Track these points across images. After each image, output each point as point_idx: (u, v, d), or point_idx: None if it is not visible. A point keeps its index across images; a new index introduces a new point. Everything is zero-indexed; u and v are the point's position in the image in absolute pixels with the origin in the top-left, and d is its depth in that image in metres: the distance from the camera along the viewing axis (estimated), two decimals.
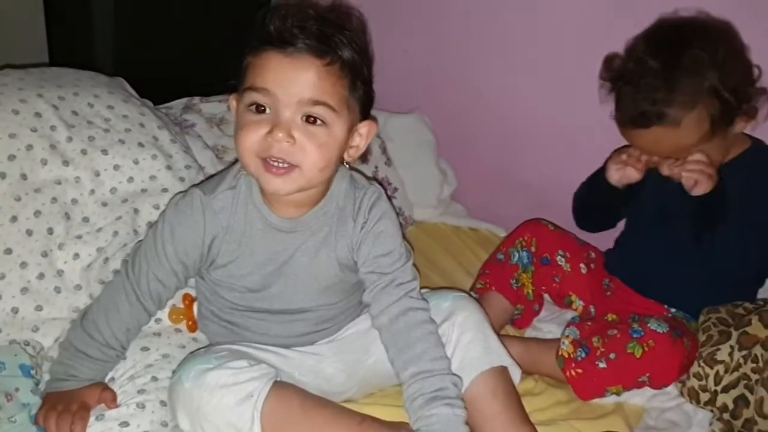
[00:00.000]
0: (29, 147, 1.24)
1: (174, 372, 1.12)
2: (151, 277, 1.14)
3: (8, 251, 1.18)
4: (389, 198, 1.24)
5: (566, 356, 1.32)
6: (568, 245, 1.59)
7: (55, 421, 1.05)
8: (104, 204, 1.29)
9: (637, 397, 1.33)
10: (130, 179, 1.32)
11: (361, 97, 1.08)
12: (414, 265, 1.20)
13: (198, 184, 1.23)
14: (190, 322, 1.27)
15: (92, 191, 1.28)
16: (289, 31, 1.00)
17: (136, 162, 1.33)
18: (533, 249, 1.57)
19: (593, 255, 1.60)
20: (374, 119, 1.14)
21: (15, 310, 1.17)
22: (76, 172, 1.27)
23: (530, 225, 1.61)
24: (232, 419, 1.03)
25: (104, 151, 1.31)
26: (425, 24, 1.88)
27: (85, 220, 1.26)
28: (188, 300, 1.27)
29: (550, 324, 1.54)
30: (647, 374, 1.29)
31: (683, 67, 1.26)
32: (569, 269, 1.56)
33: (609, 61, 1.44)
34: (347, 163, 1.13)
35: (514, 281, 1.54)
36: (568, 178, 1.74)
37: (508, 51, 1.78)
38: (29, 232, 1.20)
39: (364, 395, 1.24)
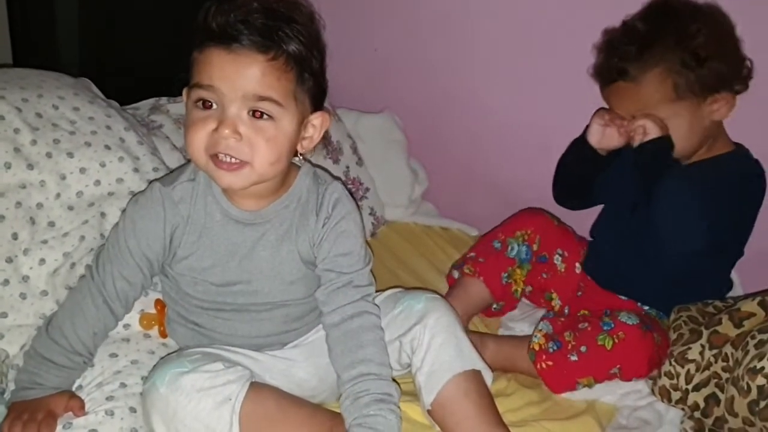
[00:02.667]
0: None
1: (146, 378, 1.10)
2: (116, 276, 1.13)
3: None
4: (353, 197, 1.24)
5: (537, 349, 1.33)
6: (568, 243, 1.57)
7: (21, 430, 1.03)
8: (70, 208, 1.26)
9: (609, 396, 1.34)
10: (97, 182, 1.30)
11: (311, 88, 1.07)
12: (371, 272, 1.19)
13: (157, 179, 1.23)
14: (161, 328, 1.25)
15: (58, 195, 1.26)
16: (231, 26, 1.00)
17: (102, 165, 1.31)
18: (535, 246, 1.55)
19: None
20: (327, 110, 1.13)
21: None
22: (41, 176, 1.25)
23: (535, 218, 1.57)
24: (211, 423, 1.02)
25: (70, 154, 1.28)
26: (395, 23, 1.88)
27: (51, 224, 1.24)
28: (160, 305, 1.26)
29: (522, 323, 1.55)
30: (618, 366, 1.31)
31: (663, 34, 1.29)
32: (563, 269, 1.55)
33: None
34: (301, 154, 1.13)
35: (506, 275, 1.52)
36: (539, 178, 1.75)
37: (478, 50, 1.78)
38: None
39: (337, 398, 1.23)
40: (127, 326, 1.23)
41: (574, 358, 1.30)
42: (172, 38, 1.87)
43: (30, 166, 1.24)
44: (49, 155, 1.26)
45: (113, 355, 1.17)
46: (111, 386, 1.12)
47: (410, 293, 1.23)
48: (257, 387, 1.07)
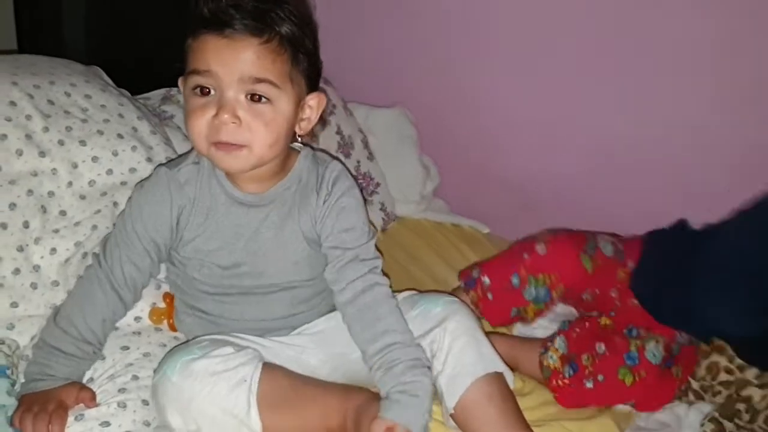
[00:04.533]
0: (3, 137, 1.19)
1: (156, 370, 1.09)
2: (124, 261, 1.13)
3: None
4: (354, 177, 1.25)
5: (552, 369, 1.29)
6: (603, 282, 1.40)
7: (31, 422, 1.00)
8: (82, 197, 1.24)
9: None
10: (110, 171, 1.27)
11: (306, 69, 1.07)
12: (376, 247, 1.19)
13: (162, 164, 1.24)
14: (171, 321, 1.23)
15: (70, 183, 1.23)
16: (224, 11, 1.00)
17: (115, 154, 1.28)
18: (555, 293, 1.41)
19: (624, 273, 1.42)
20: (323, 90, 1.14)
21: None
22: (53, 164, 1.22)
23: (565, 260, 1.40)
24: (228, 406, 1.01)
25: (82, 142, 1.26)
26: (408, 18, 1.86)
27: (63, 213, 1.21)
28: (169, 299, 1.24)
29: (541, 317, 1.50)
30: (633, 401, 1.29)
31: None
32: (591, 299, 1.42)
33: None
34: (300, 136, 1.13)
35: (515, 311, 1.43)
36: (551, 175, 1.78)
37: (490, 46, 1.77)
38: (4, 226, 1.15)
39: None
40: (138, 319, 1.22)
41: (589, 385, 1.26)
42: (181, 27, 1.87)
43: (42, 154, 1.22)
44: (61, 143, 1.24)
45: (125, 348, 1.16)
46: (123, 378, 1.11)
47: (427, 296, 1.21)
48: (269, 367, 1.06)
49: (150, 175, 1.18)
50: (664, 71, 1.60)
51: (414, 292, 1.24)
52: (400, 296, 1.21)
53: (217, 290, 1.17)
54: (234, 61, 1.00)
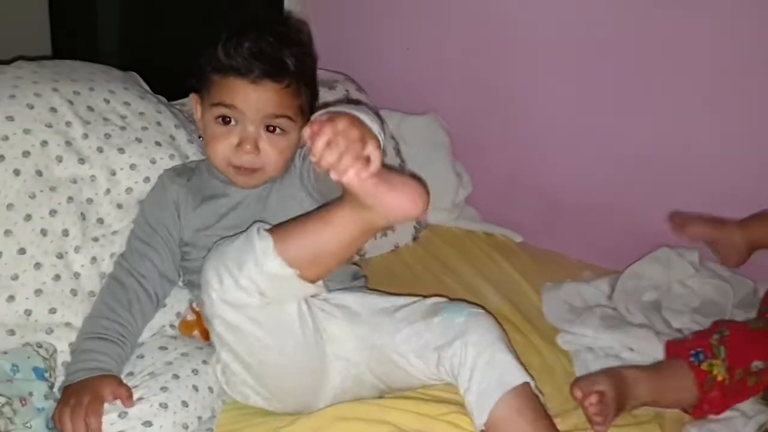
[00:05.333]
0: (44, 143, 1.20)
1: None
2: (137, 246, 1.22)
3: (22, 251, 1.15)
4: None
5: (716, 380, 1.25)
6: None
7: (69, 417, 1.02)
8: (119, 206, 1.25)
9: None
10: (147, 179, 1.29)
11: (310, 96, 1.24)
12: None
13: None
14: (201, 330, 1.25)
15: (107, 191, 1.24)
16: (248, 59, 1.15)
17: (153, 162, 1.30)
18: None
19: None
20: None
21: (28, 312, 1.13)
22: (92, 171, 1.23)
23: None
24: (240, 243, 1.02)
25: (121, 150, 1.27)
26: (440, 24, 1.84)
27: (100, 221, 1.23)
28: (197, 311, 1.26)
29: None
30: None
31: None
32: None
33: None
34: (302, 146, 1.24)
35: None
36: (585, 184, 1.75)
37: (524, 52, 1.75)
38: (44, 232, 1.16)
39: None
40: (173, 326, 1.24)
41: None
42: (213, 33, 1.87)
43: (81, 161, 1.23)
44: (100, 150, 1.25)
45: (163, 348, 1.18)
46: (164, 377, 1.11)
47: (453, 304, 1.20)
48: None
49: None
50: (700, 79, 1.57)
51: (443, 299, 1.23)
52: (428, 301, 1.21)
53: None
54: (258, 102, 1.16)
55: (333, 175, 0.90)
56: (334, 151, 0.88)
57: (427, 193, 1.00)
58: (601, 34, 1.64)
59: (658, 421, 1.25)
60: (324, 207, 1.05)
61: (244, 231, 1.05)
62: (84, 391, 1.05)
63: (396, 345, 1.15)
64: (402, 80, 1.91)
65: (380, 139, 0.98)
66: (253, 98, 1.16)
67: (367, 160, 0.90)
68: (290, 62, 1.18)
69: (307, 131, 0.90)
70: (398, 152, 1.80)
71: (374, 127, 0.98)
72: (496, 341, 1.13)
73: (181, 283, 1.28)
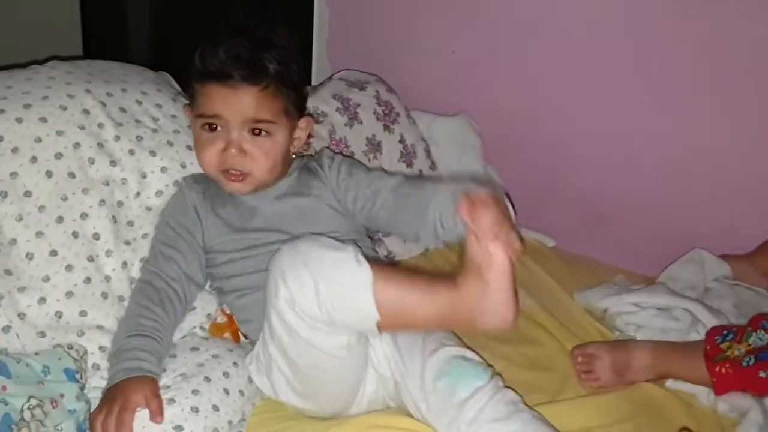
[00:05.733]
0: (77, 145, 1.20)
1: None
2: (161, 249, 1.21)
3: (53, 253, 1.14)
4: None
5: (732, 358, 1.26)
6: None
7: (99, 426, 1.03)
8: (148, 209, 1.25)
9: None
10: (177, 183, 1.28)
11: (295, 99, 1.24)
12: None
13: None
14: (232, 332, 1.25)
15: (138, 194, 1.24)
16: (225, 64, 1.16)
17: (183, 166, 1.29)
18: None
19: None
20: (310, 115, 1.32)
21: (59, 314, 1.13)
22: (123, 173, 1.23)
23: None
24: (337, 256, 1.00)
25: (152, 153, 1.27)
26: (474, 24, 1.82)
27: (130, 224, 1.23)
28: (226, 313, 1.26)
29: None
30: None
31: None
32: None
33: None
34: (294, 154, 1.30)
35: None
36: (622, 187, 1.74)
37: (560, 50, 1.73)
38: (75, 235, 1.16)
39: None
40: (203, 329, 1.23)
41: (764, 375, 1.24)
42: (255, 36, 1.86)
43: (113, 163, 1.23)
44: (131, 152, 1.25)
45: (194, 349, 1.17)
46: (196, 379, 1.10)
47: (463, 368, 1.10)
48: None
49: None
50: (738, 79, 1.55)
51: (459, 351, 1.14)
52: (447, 352, 1.13)
53: (250, 261, 1.20)
54: (238, 107, 1.17)
55: (496, 248, 0.96)
56: (504, 226, 0.96)
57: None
58: (637, 34, 1.62)
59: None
60: (438, 278, 1.03)
61: (335, 240, 1.04)
62: (117, 398, 1.04)
63: (411, 393, 1.12)
64: (433, 81, 1.90)
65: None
66: (233, 103, 1.16)
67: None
68: (268, 65, 1.18)
69: (466, 201, 0.97)
70: (428, 154, 1.78)
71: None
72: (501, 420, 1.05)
73: (208, 288, 1.27)
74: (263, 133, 1.20)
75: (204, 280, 1.25)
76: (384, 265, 1.06)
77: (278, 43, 1.21)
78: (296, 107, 1.25)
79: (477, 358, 1.15)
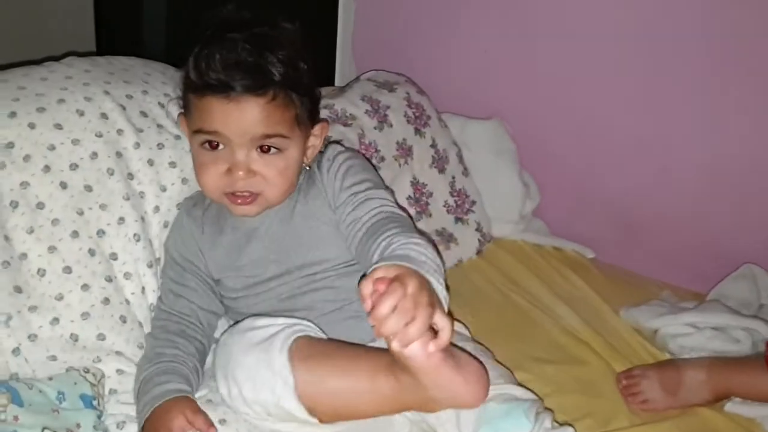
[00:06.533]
0: (94, 155, 1.11)
1: None
2: (171, 286, 1.12)
3: (67, 270, 1.06)
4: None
5: None
6: None
7: None
8: (166, 225, 1.17)
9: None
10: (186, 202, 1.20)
11: (308, 105, 1.08)
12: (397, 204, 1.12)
13: None
14: None
15: (156, 208, 1.16)
16: (223, 73, 0.99)
17: None
18: None
19: None
20: (325, 120, 1.16)
21: (74, 337, 1.04)
22: (140, 187, 1.15)
23: None
24: (260, 354, 0.94)
25: (172, 164, 1.18)
26: (508, 23, 1.74)
27: (150, 243, 1.14)
28: None
29: None
30: None
31: None
32: None
33: None
34: (308, 166, 1.14)
35: None
36: (663, 196, 1.65)
37: (598, 52, 1.64)
38: (92, 252, 1.08)
39: None
40: None
41: None
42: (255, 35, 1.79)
43: (130, 176, 1.14)
44: (150, 162, 1.16)
45: None
46: (223, 408, 1.03)
47: (504, 412, 0.98)
48: (310, 335, 0.99)
49: None
50: None
51: (499, 390, 1.02)
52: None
53: (261, 304, 1.11)
54: (243, 123, 1.01)
55: (394, 345, 0.78)
56: (401, 317, 0.76)
57: (488, 380, 0.92)
58: (678, 36, 1.53)
59: None
60: (367, 354, 0.95)
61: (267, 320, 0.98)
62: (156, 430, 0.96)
63: None
64: (465, 82, 1.81)
65: (445, 304, 0.87)
66: (236, 119, 1.00)
67: (434, 331, 0.80)
68: (274, 70, 1.01)
69: (367, 286, 0.78)
70: (461, 159, 1.69)
71: (441, 290, 0.87)
72: None
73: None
74: (273, 149, 1.04)
75: (222, 306, 1.17)
76: (314, 354, 0.94)
77: (281, 40, 1.04)
78: (309, 114, 1.09)
79: (520, 392, 1.04)
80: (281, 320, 0.99)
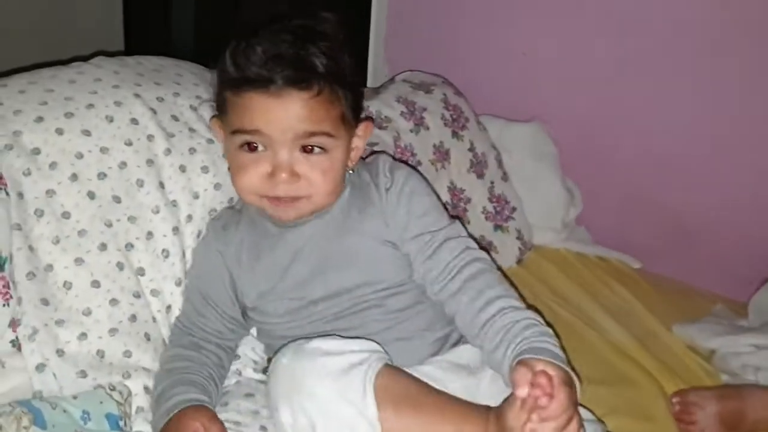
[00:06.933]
0: (122, 165, 1.06)
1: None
2: (190, 312, 1.06)
3: (96, 284, 1.01)
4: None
5: None
6: None
7: None
8: (199, 235, 1.11)
9: None
10: (231, 200, 1.14)
11: (352, 101, 1.01)
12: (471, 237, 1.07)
13: None
14: None
15: (189, 217, 1.10)
16: (264, 66, 0.94)
17: None
18: None
19: None
20: (369, 119, 1.12)
21: (101, 354, 0.99)
22: (172, 195, 1.09)
23: None
24: (340, 388, 0.87)
25: (204, 169, 1.12)
26: (551, 21, 1.68)
27: (181, 256, 1.09)
28: None
29: None
30: None
31: None
32: None
33: None
34: (351, 170, 1.07)
35: None
36: (715, 203, 1.59)
37: (646, 48, 1.58)
38: (120, 266, 1.03)
39: None
40: (256, 371, 1.11)
41: None
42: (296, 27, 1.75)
43: (161, 185, 1.08)
44: (182, 169, 1.11)
45: (249, 396, 1.04)
46: (250, 430, 0.99)
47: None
48: (390, 366, 0.92)
49: None
50: None
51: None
52: None
53: (306, 327, 1.04)
54: (286, 121, 0.95)
55: None
56: (558, 423, 0.79)
57: None
58: (739, 33, 1.47)
59: None
60: (453, 406, 0.91)
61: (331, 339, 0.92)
62: None
63: None
64: (505, 83, 1.76)
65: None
66: (278, 116, 0.94)
67: None
68: (318, 62, 0.95)
69: (524, 381, 0.79)
70: (500, 164, 1.63)
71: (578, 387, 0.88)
72: None
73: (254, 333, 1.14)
74: (316, 149, 0.98)
75: (246, 328, 1.11)
76: (401, 398, 0.89)
77: (324, 32, 0.98)
78: (353, 111, 1.02)
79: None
80: (355, 345, 0.92)
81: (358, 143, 1.06)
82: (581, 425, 0.82)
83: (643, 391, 1.24)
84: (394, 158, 1.15)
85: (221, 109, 1.02)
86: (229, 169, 1.07)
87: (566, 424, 0.79)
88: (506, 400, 0.85)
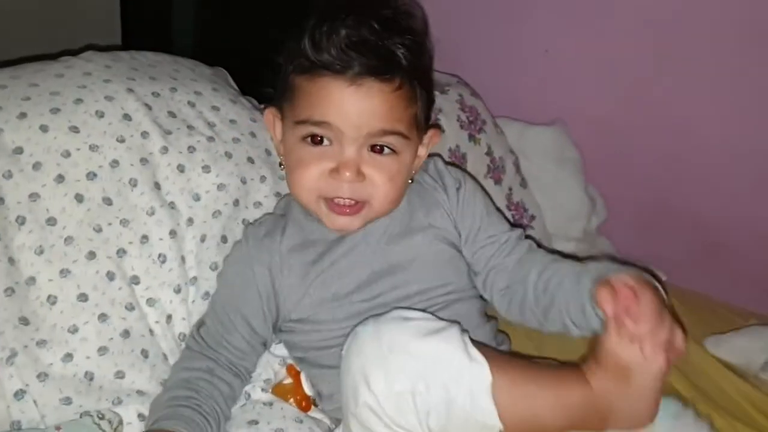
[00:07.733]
0: (114, 163, 0.97)
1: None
2: (215, 329, 0.96)
3: (83, 297, 0.91)
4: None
5: None
6: None
7: None
8: (203, 239, 1.01)
9: None
10: (236, 202, 1.05)
11: (426, 104, 0.96)
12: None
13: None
14: (299, 398, 1.01)
15: (190, 221, 1.01)
16: (345, 51, 0.87)
17: (243, 181, 1.06)
18: None
19: None
20: (438, 126, 1.09)
21: (89, 376, 0.90)
22: (170, 197, 1.00)
23: None
24: (438, 341, 0.79)
25: (206, 168, 1.03)
26: (574, 21, 1.60)
27: (181, 262, 0.99)
28: (294, 372, 1.02)
29: None
30: None
31: None
32: None
33: None
34: (412, 179, 1.00)
35: None
36: (746, 214, 1.53)
37: (675, 54, 1.50)
38: (111, 276, 0.93)
39: None
40: (265, 389, 1.00)
41: None
42: (299, 20, 1.68)
43: (157, 185, 0.99)
44: (181, 169, 1.01)
45: (253, 423, 0.94)
46: None
47: None
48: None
49: None
50: None
51: None
52: None
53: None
54: (362, 114, 0.88)
55: (656, 352, 0.77)
56: (665, 322, 0.78)
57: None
58: (765, 33, 1.40)
59: None
60: (539, 363, 0.88)
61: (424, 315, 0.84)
62: None
63: None
64: (523, 84, 1.68)
65: None
66: (354, 108, 0.88)
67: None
68: (402, 55, 0.89)
69: (608, 298, 0.78)
70: (518, 169, 1.56)
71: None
72: None
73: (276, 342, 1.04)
74: (386, 150, 0.91)
75: (270, 342, 1.02)
76: (498, 355, 0.83)
77: (409, 25, 0.93)
78: (425, 113, 0.96)
79: None
80: (433, 319, 0.85)
81: (423, 152, 0.99)
82: (681, 329, 0.80)
83: None
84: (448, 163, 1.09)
85: (285, 97, 0.94)
86: (280, 164, 0.99)
87: (661, 325, 0.78)
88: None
